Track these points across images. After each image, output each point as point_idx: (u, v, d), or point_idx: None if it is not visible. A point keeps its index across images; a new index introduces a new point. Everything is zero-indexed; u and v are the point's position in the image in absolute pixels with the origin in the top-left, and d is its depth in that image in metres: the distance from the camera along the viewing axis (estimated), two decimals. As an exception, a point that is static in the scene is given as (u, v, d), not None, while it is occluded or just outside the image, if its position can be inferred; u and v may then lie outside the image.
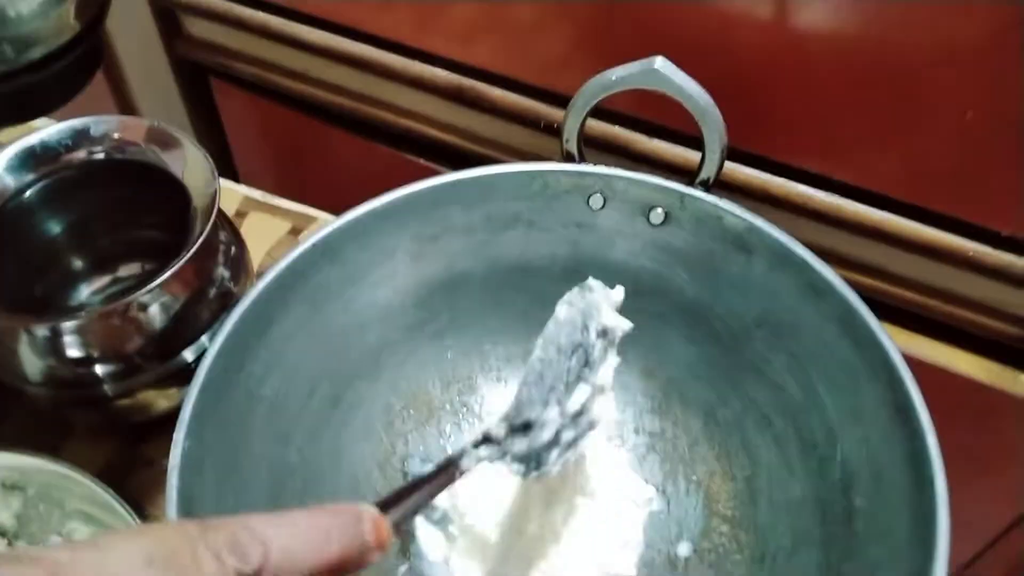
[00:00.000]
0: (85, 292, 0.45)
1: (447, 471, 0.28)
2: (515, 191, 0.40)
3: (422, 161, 0.56)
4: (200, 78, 0.65)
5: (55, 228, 0.42)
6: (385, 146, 0.58)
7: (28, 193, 0.40)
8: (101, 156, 0.40)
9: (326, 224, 0.37)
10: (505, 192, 0.40)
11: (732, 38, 0.42)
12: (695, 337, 0.38)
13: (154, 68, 0.65)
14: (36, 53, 0.26)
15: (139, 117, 0.41)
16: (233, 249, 0.41)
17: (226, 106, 0.65)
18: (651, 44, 0.44)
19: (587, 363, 0.31)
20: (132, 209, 0.42)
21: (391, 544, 0.23)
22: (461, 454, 0.29)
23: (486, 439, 0.30)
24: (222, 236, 0.40)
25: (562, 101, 0.50)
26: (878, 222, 0.43)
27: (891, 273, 0.44)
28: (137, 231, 0.44)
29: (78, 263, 0.44)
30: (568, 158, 0.41)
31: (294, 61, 0.59)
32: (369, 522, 0.22)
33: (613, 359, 0.31)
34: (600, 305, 0.32)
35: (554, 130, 0.50)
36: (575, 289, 0.33)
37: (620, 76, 0.37)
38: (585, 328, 0.31)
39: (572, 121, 0.39)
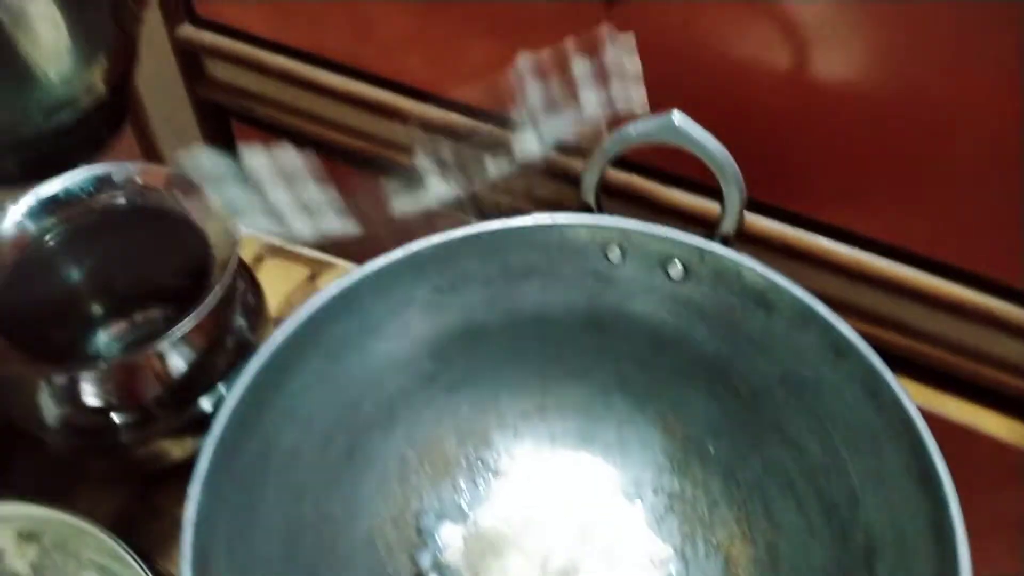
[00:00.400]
0: (102, 337, 0.45)
1: None
2: (532, 242, 0.40)
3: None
4: (221, 119, 0.66)
5: (74, 273, 0.43)
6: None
7: (49, 238, 0.40)
8: (123, 202, 0.40)
9: (345, 274, 0.37)
10: (522, 243, 0.40)
11: (750, 86, 0.42)
12: (715, 393, 0.37)
13: (176, 108, 0.66)
14: (65, 116, 0.27)
15: (160, 163, 0.41)
16: (251, 298, 0.41)
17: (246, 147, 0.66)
18: (667, 88, 0.44)
19: None
20: (151, 254, 0.42)
21: None
22: None
23: None
24: (240, 285, 0.40)
25: (576, 150, 0.51)
26: (901, 277, 0.42)
27: (914, 328, 0.44)
28: (155, 276, 0.44)
29: (96, 308, 0.45)
30: (586, 209, 0.41)
31: (313, 104, 0.59)
32: None
33: None
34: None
35: (570, 178, 0.50)
36: None
37: (638, 131, 0.37)
38: None
39: (590, 174, 0.39)
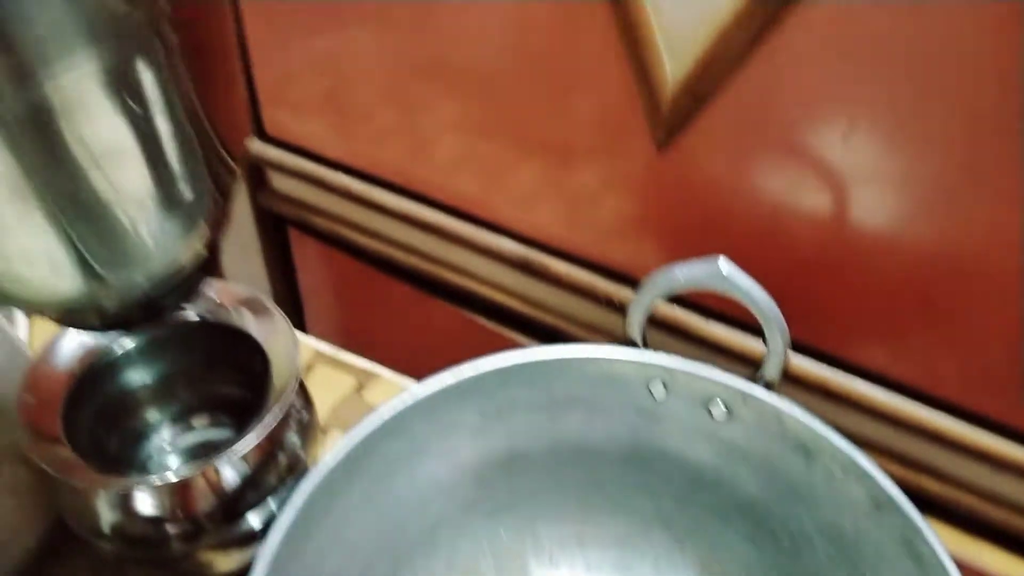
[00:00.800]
0: (156, 441, 0.47)
1: None
2: (578, 374, 0.41)
3: (487, 323, 0.58)
4: (279, 228, 0.69)
5: (137, 383, 0.45)
6: (452, 305, 0.60)
7: (117, 347, 0.42)
8: (195, 319, 0.42)
9: (391, 386, 0.39)
10: (568, 374, 0.41)
11: (791, 230, 0.44)
12: (755, 537, 0.38)
13: (238, 216, 0.69)
14: (168, 279, 0.29)
15: (218, 267, 0.44)
16: (304, 414, 0.42)
17: (301, 255, 0.69)
18: (712, 230, 0.46)
19: None
20: (213, 367, 0.44)
21: None
22: None
23: None
24: (296, 402, 0.42)
25: (620, 277, 0.53)
26: (939, 426, 0.43)
27: (949, 475, 0.44)
28: (214, 387, 0.46)
29: (154, 415, 0.46)
30: (631, 343, 0.42)
31: (370, 220, 0.62)
32: None
33: None
34: None
35: (615, 304, 0.52)
36: None
37: (685, 276, 0.39)
38: None
39: (636, 311, 0.41)
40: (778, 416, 0.37)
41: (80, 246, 0.26)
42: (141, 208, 0.26)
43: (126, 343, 0.42)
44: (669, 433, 0.40)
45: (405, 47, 0.54)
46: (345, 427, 0.50)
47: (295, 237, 0.68)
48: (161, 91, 0.24)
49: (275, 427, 0.38)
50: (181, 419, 0.46)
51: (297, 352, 0.39)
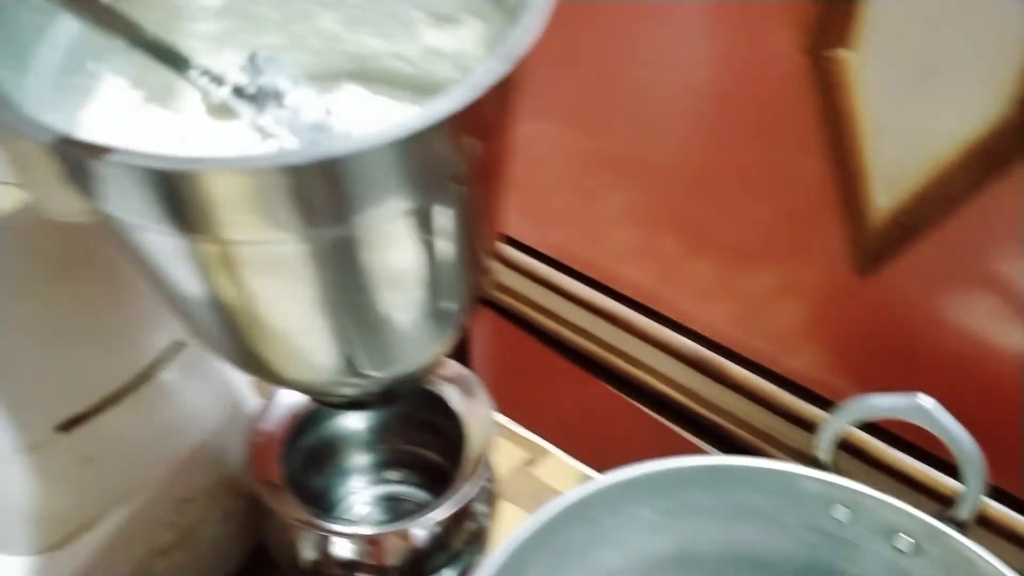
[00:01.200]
0: (351, 486, 0.50)
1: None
2: (759, 485, 0.41)
3: (658, 417, 0.59)
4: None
5: (345, 430, 0.48)
6: (621, 393, 0.61)
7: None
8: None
9: (583, 486, 0.41)
10: (749, 484, 0.42)
11: (993, 369, 0.44)
12: None
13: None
14: (413, 376, 0.32)
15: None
16: (489, 484, 0.45)
17: (477, 325, 0.72)
18: (910, 359, 0.46)
19: None
20: (413, 427, 0.48)
21: None
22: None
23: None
24: (484, 473, 0.44)
25: (799, 389, 0.53)
26: None
27: None
28: (410, 445, 0.49)
29: (353, 461, 0.50)
30: (815, 462, 0.42)
31: (546, 299, 0.65)
32: None
33: None
34: None
35: (792, 417, 0.52)
36: None
37: (883, 405, 0.39)
38: None
39: (826, 433, 0.41)
40: (969, 557, 0.37)
41: (350, 349, 0.29)
42: (412, 321, 0.29)
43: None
44: (848, 557, 0.40)
45: (587, 137, 0.57)
46: (515, 500, 0.52)
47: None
48: (451, 223, 0.27)
49: (469, 496, 0.41)
50: (376, 469, 0.50)
51: (494, 430, 0.42)
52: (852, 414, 0.40)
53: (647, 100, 0.52)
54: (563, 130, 0.57)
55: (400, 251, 0.26)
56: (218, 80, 0.30)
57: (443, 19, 0.30)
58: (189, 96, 0.32)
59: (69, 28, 0.28)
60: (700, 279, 0.57)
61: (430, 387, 0.45)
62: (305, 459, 0.46)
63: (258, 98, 0.31)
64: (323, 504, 0.48)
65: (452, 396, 0.44)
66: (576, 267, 0.62)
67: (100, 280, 0.37)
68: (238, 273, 0.26)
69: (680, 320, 0.58)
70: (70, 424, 0.36)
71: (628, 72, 0.51)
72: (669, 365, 0.58)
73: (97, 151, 0.22)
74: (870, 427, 0.50)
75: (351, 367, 0.30)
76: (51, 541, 0.38)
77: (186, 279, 0.27)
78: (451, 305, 0.30)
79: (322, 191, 0.23)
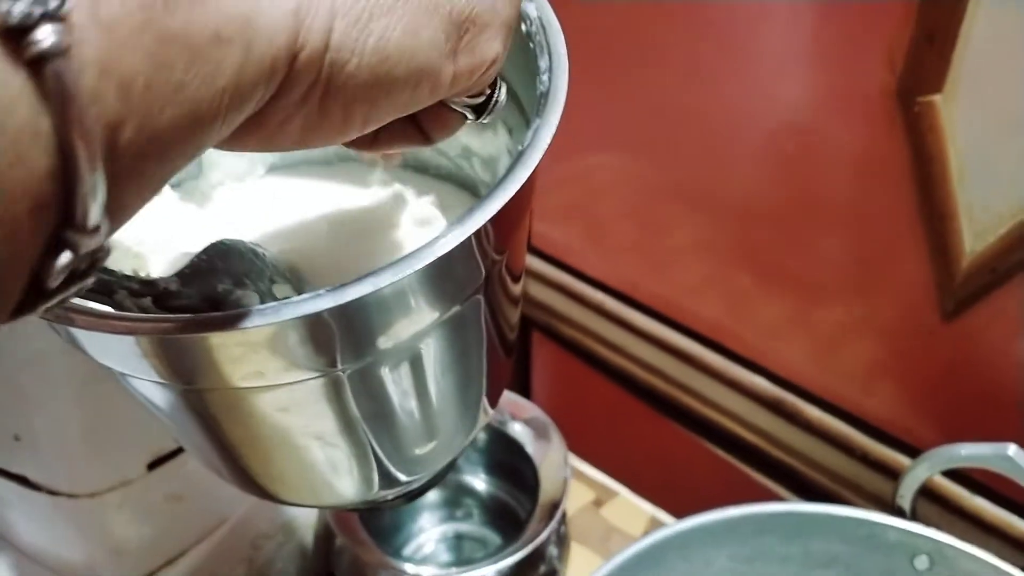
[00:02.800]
0: (420, 522, 0.51)
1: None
2: (838, 533, 0.41)
3: (729, 458, 0.59)
4: (523, 330, 0.73)
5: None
6: (692, 433, 0.61)
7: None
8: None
9: (657, 531, 0.40)
10: (827, 532, 0.41)
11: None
12: None
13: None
14: (446, 468, 0.31)
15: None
16: (562, 528, 0.45)
17: (540, 359, 0.72)
18: (986, 400, 0.45)
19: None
20: (484, 467, 0.48)
21: None
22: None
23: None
24: (556, 518, 0.44)
25: (877, 433, 0.52)
26: None
27: None
28: (482, 486, 0.49)
29: (424, 498, 0.50)
30: (896, 510, 0.41)
31: (615, 335, 0.64)
32: None
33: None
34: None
35: (870, 461, 0.51)
36: None
37: (969, 453, 0.38)
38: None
39: (909, 483, 0.40)
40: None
41: (374, 468, 0.27)
42: (445, 427, 0.28)
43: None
44: (932, 611, 0.39)
45: (654, 167, 0.56)
46: (583, 541, 0.52)
47: (537, 340, 0.72)
48: (479, 326, 0.26)
49: (542, 540, 0.41)
50: (446, 507, 0.50)
51: (568, 475, 0.42)
52: (936, 462, 0.39)
53: (720, 131, 0.52)
54: (629, 160, 0.57)
55: (428, 364, 0.25)
56: None
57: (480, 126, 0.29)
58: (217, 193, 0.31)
59: None
60: (773, 315, 0.56)
61: (503, 428, 0.45)
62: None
63: None
64: (394, 541, 0.49)
65: (525, 438, 0.44)
66: (644, 301, 0.62)
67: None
68: (246, 415, 0.24)
69: (752, 357, 0.57)
70: (159, 462, 0.38)
71: (700, 102, 0.51)
72: (742, 405, 0.57)
73: (80, 319, 0.20)
74: (952, 473, 0.48)
75: (376, 484, 0.28)
76: (135, 575, 0.40)
77: (186, 422, 0.26)
78: (481, 402, 0.29)
79: (347, 330, 0.22)
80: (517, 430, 0.45)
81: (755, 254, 0.54)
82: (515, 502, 0.46)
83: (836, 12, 0.43)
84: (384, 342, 0.23)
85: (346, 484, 0.28)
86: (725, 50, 0.49)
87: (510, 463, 0.45)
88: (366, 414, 0.25)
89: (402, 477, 0.28)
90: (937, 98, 0.39)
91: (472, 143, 0.32)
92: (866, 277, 0.49)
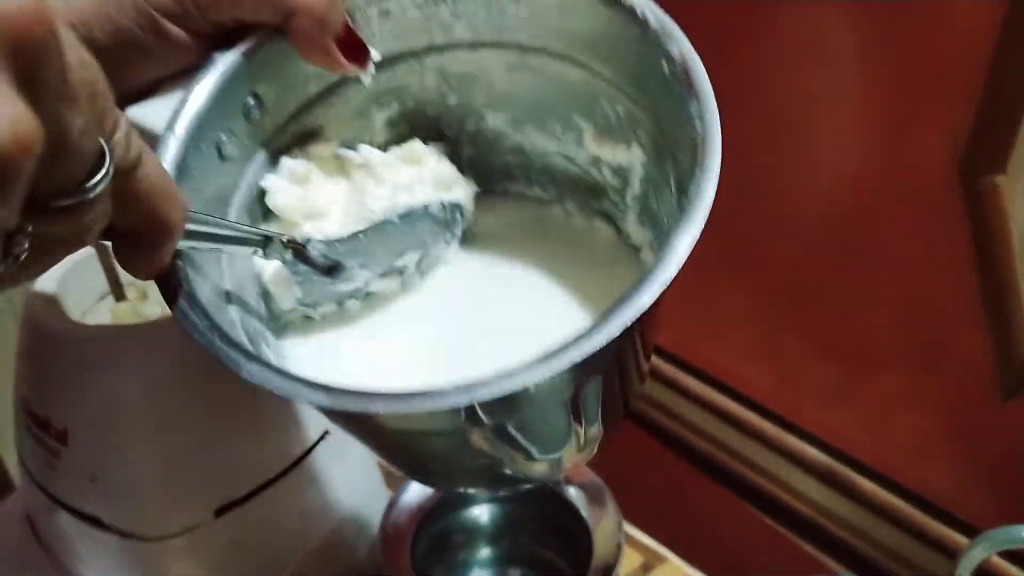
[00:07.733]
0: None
1: (250, 241, 0.27)
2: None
3: (781, 528, 0.58)
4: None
5: (470, 523, 0.49)
6: (741, 499, 0.60)
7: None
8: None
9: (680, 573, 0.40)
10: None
11: None
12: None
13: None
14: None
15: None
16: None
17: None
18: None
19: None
20: (537, 526, 0.48)
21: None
22: (269, 241, 0.28)
23: (297, 247, 0.29)
24: (608, 578, 0.44)
25: (935, 510, 0.51)
26: None
27: None
28: (534, 546, 0.49)
29: (477, 555, 0.51)
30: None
31: (667, 398, 0.65)
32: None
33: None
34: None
35: (926, 539, 0.50)
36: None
37: (1031, 536, 0.38)
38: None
39: (967, 564, 0.40)
40: None
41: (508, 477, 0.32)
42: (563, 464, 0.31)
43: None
44: None
45: (710, 234, 0.57)
46: (631, 605, 0.52)
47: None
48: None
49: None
50: (498, 565, 0.51)
51: (622, 541, 0.42)
52: (996, 543, 0.38)
53: (775, 197, 0.52)
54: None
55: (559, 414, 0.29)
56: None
57: (610, 139, 0.32)
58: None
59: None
60: (825, 382, 0.56)
61: (559, 490, 0.45)
62: (429, 550, 0.47)
63: None
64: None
65: (580, 502, 0.45)
66: (695, 363, 0.62)
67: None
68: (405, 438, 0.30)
69: (804, 425, 0.57)
70: (226, 508, 0.39)
71: (759, 172, 0.52)
72: (795, 475, 0.57)
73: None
74: (1009, 552, 0.47)
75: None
76: (196, 619, 0.41)
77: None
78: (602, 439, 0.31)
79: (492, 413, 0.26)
80: (572, 494, 0.45)
81: (807, 320, 0.55)
82: (566, 563, 0.46)
83: (901, 88, 0.44)
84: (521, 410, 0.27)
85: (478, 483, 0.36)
86: (786, 122, 0.50)
87: (563, 524, 0.45)
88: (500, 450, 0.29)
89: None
90: (1001, 179, 0.40)
91: (604, 153, 0.34)
92: (923, 350, 0.49)
